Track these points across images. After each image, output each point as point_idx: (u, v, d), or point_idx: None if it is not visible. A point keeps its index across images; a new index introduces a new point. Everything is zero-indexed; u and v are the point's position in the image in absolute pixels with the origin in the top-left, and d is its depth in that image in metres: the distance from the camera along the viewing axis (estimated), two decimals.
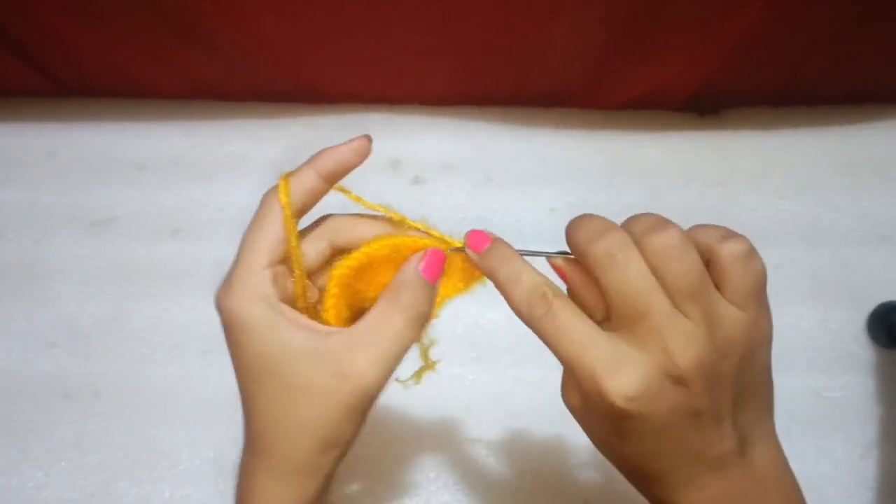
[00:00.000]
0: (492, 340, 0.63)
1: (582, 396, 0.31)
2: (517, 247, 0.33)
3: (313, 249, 0.34)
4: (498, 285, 0.32)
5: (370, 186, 0.73)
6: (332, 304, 0.33)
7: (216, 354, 0.63)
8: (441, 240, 0.34)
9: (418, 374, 0.38)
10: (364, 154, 0.34)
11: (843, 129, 0.74)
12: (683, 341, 0.28)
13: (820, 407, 0.60)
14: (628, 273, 0.29)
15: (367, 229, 0.35)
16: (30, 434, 0.59)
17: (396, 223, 0.35)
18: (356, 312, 0.35)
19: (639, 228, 0.30)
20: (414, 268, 0.32)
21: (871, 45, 0.65)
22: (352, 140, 0.34)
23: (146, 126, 0.74)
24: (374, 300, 0.33)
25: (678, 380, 0.28)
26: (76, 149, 0.73)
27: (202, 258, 0.66)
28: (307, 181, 0.33)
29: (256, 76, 0.71)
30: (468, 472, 0.57)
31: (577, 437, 0.59)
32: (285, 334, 0.31)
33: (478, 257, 0.33)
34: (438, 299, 0.35)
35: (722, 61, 0.65)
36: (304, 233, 0.34)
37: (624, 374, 0.28)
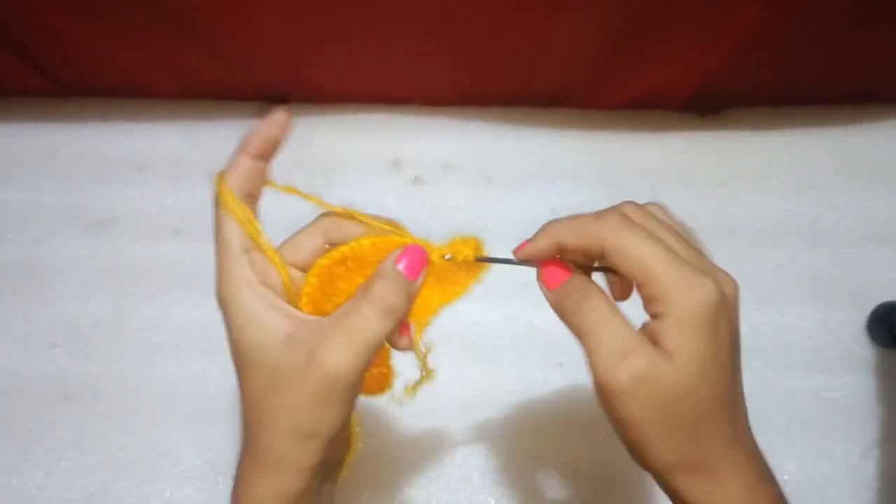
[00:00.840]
0: (492, 340, 0.63)
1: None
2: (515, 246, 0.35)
3: (309, 244, 0.35)
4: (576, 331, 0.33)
5: (370, 186, 0.73)
6: (308, 293, 0.34)
7: (216, 354, 0.63)
8: (430, 246, 0.35)
9: (413, 388, 0.38)
10: (284, 125, 0.35)
11: (843, 129, 0.74)
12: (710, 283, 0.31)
13: (820, 407, 0.60)
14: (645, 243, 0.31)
15: (361, 228, 0.35)
16: (30, 434, 0.59)
17: (394, 225, 0.35)
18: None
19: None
20: (391, 261, 0.33)
21: (871, 45, 0.65)
22: (271, 114, 0.35)
23: (146, 126, 0.74)
24: None
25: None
26: (76, 149, 0.73)
27: (202, 258, 0.66)
28: (242, 166, 0.34)
29: (256, 76, 0.71)
30: (468, 472, 0.57)
31: (577, 437, 0.59)
32: (267, 320, 0.32)
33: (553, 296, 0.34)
34: (433, 305, 0.35)
35: (722, 61, 0.65)
36: (301, 230, 0.36)
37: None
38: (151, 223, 0.69)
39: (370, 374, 0.38)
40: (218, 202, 0.34)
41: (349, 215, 0.35)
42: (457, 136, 0.73)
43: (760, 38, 0.62)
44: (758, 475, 0.32)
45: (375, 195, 0.69)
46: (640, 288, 0.32)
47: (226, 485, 0.57)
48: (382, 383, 0.39)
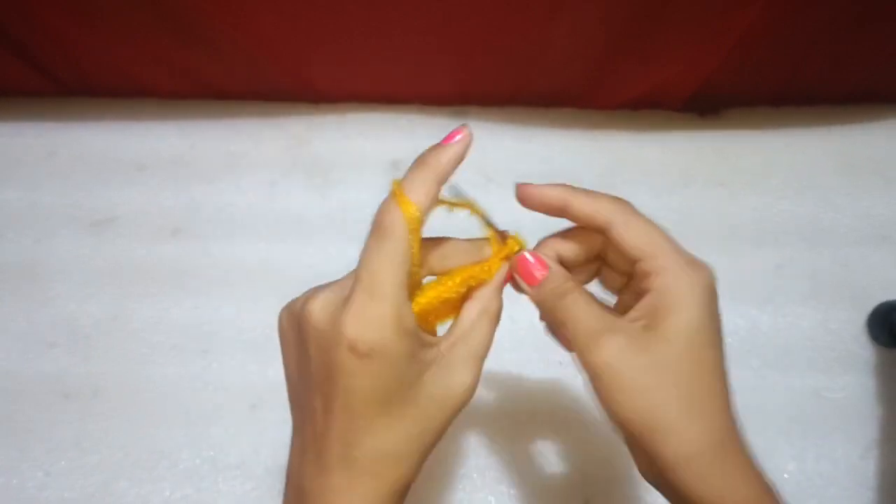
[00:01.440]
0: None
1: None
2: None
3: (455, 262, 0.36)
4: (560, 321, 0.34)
5: (370, 186, 0.73)
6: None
7: (216, 354, 0.63)
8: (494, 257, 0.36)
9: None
10: (470, 142, 0.35)
11: (843, 129, 0.74)
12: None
13: (820, 407, 0.60)
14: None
15: (452, 260, 0.35)
16: (30, 434, 0.59)
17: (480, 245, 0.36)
18: None
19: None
20: (498, 283, 0.35)
21: (871, 45, 0.65)
22: (453, 133, 0.34)
23: (146, 126, 0.74)
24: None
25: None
26: (76, 149, 0.73)
27: (202, 258, 0.66)
28: (429, 189, 0.32)
29: (256, 76, 0.71)
30: (468, 472, 0.57)
31: (577, 437, 0.59)
32: (420, 357, 0.31)
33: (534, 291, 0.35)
34: (434, 321, 0.36)
35: (722, 61, 0.65)
36: (459, 244, 0.36)
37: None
38: (151, 223, 0.69)
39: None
40: (389, 220, 0.31)
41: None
42: None
43: (760, 38, 0.62)
44: (754, 465, 0.32)
45: (375, 195, 0.68)
46: (640, 262, 0.33)
47: (226, 485, 0.57)
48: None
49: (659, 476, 0.32)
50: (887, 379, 0.61)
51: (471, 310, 0.34)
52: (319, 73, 0.70)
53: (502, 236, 0.36)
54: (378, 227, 0.31)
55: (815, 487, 0.57)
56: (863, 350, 0.63)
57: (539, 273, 0.34)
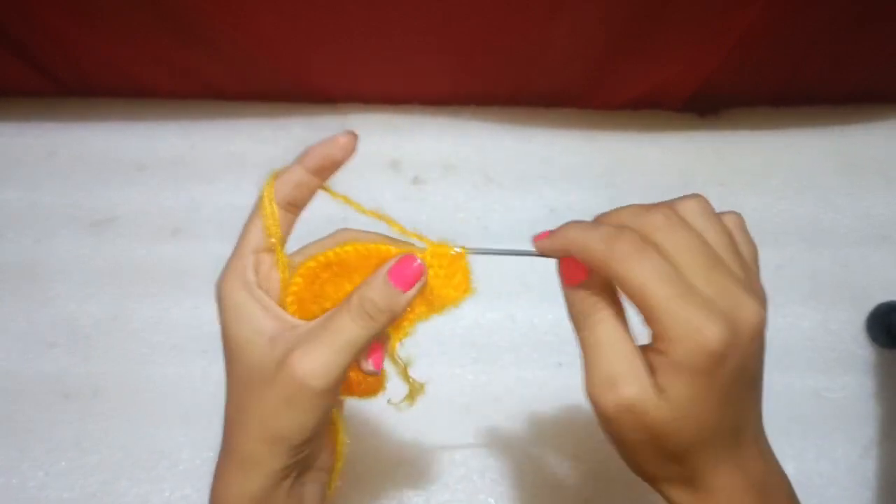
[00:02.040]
0: (492, 340, 0.63)
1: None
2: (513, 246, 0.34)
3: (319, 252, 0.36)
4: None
5: (371, 186, 0.73)
6: (294, 292, 0.34)
7: (216, 354, 0.62)
8: (424, 247, 0.34)
9: (410, 397, 0.38)
10: (349, 150, 0.35)
11: (843, 129, 0.74)
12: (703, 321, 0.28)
13: (820, 407, 0.60)
14: (643, 267, 0.29)
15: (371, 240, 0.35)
16: (30, 434, 0.59)
17: (406, 239, 0.35)
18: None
19: (620, 220, 0.32)
20: (382, 270, 0.33)
21: (871, 45, 0.65)
22: (338, 135, 0.35)
23: (146, 126, 0.74)
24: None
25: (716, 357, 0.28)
26: (76, 149, 0.73)
27: (202, 258, 0.66)
28: (294, 175, 0.35)
29: (256, 76, 0.71)
30: (468, 472, 0.57)
31: (577, 438, 0.59)
32: (256, 319, 0.33)
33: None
34: (411, 319, 0.35)
35: (722, 61, 0.65)
36: (317, 241, 0.36)
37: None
38: (151, 223, 0.69)
39: (361, 377, 0.37)
40: (259, 198, 0.35)
41: (399, 230, 0.35)
42: (457, 136, 0.73)
43: (760, 38, 0.62)
44: (757, 498, 0.32)
45: (375, 195, 0.69)
46: (645, 317, 0.30)
47: None
48: (375, 386, 0.38)
49: None
50: (887, 379, 0.61)
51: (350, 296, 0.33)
52: (319, 73, 0.70)
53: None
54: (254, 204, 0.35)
55: (815, 487, 0.57)
56: (862, 350, 0.63)
57: (576, 276, 0.32)
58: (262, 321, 0.33)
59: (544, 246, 0.33)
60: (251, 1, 0.59)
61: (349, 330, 0.32)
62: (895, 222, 0.69)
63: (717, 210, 0.34)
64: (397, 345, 0.35)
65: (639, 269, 0.29)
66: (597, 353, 0.31)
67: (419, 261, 0.33)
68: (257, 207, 0.35)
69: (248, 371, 0.32)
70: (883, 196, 0.70)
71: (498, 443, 0.59)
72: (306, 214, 0.37)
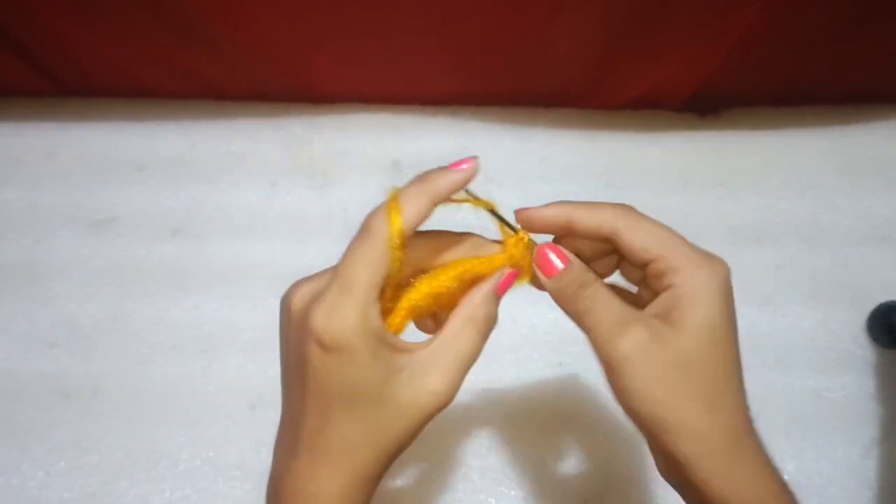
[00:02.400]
0: (492, 340, 0.63)
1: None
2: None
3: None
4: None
5: (370, 186, 0.73)
6: (401, 317, 0.34)
7: (216, 354, 0.63)
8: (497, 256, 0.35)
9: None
10: (474, 175, 0.34)
11: (843, 129, 0.74)
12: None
13: (820, 407, 0.60)
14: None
15: (446, 255, 0.35)
16: (30, 434, 0.59)
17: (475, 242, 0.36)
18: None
19: None
20: (490, 288, 0.34)
21: (871, 45, 0.65)
22: (461, 162, 0.34)
23: (146, 126, 0.74)
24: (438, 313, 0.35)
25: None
26: (76, 149, 0.73)
27: (202, 258, 0.66)
28: (421, 205, 0.33)
29: (256, 76, 0.71)
30: (468, 472, 0.57)
31: (576, 438, 0.59)
32: (388, 360, 0.31)
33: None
34: (429, 318, 0.36)
35: (722, 61, 0.65)
36: (442, 235, 0.36)
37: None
38: (151, 223, 0.69)
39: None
40: (376, 226, 0.32)
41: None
42: (457, 136, 0.73)
43: (760, 38, 0.62)
44: (770, 462, 0.32)
45: (375, 195, 0.68)
46: (652, 263, 0.32)
47: (226, 485, 0.57)
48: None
49: (677, 474, 0.32)
50: (887, 379, 0.61)
51: (456, 317, 0.34)
52: (319, 73, 0.70)
53: (513, 230, 0.36)
54: (363, 229, 0.32)
55: (815, 487, 0.57)
56: (863, 350, 0.63)
57: (558, 264, 0.34)
58: (393, 359, 0.31)
59: (537, 217, 0.35)
60: (251, 1, 0.59)
61: (478, 346, 0.33)
62: (895, 222, 0.69)
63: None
64: None
65: (646, 219, 0.33)
66: (597, 312, 0.32)
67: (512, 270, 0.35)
68: (373, 236, 0.31)
69: (380, 401, 0.31)
70: (883, 196, 0.70)
71: (498, 443, 0.59)
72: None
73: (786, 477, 0.32)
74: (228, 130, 0.73)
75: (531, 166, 0.72)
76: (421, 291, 0.34)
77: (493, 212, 0.36)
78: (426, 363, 0.32)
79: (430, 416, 0.32)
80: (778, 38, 0.63)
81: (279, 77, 0.71)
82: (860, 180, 0.71)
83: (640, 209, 0.34)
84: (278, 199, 0.69)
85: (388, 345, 0.31)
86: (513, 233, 0.36)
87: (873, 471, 0.58)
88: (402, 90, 0.73)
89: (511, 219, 0.36)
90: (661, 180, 0.71)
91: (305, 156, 0.71)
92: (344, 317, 0.30)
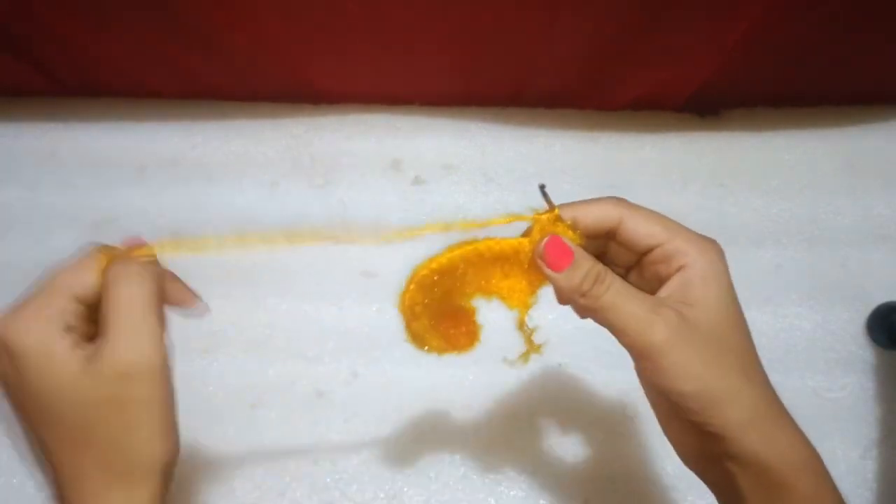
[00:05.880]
0: (492, 340, 0.63)
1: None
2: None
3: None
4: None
5: (370, 186, 0.73)
6: (409, 298, 0.36)
7: (216, 354, 0.63)
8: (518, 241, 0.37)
9: (525, 356, 0.41)
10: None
11: (843, 130, 0.74)
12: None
13: (820, 407, 0.60)
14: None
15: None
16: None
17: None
18: (436, 315, 0.39)
19: None
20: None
21: (870, 45, 0.64)
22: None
23: (146, 126, 0.74)
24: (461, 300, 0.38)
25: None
26: (77, 149, 0.73)
27: (202, 258, 0.66)
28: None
29: (256, 76, 0.71)
30: (468, 472, 0.57)
31: (577, 438, 0.59)
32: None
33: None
34: (528, 291, 0.38)
35: (722, 61, 0.65)
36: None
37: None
38: (151, 223, 0.69)
39: (458, 332, 0.41)
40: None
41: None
42: (457, 136, 0.73)
43: (760, 38, 0.62)
44: (801, 429, 0.34)
45: (375, 195, 0.69)
46: (657, 248, 0.33)
47: (226, 485, 0.57)
48: (471, 339, 0.42)
49: (715, 451, 0.33)
50: (887, 380, 0.61)
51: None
52: (319, 73, 0.70)
53: (551, 206, 0.37)
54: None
55: None
56: (862, 351, 0.63)
57: (572, 249, 0.34)
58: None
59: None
60: (252, 1, 0.59)
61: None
62: (895, 222, 0.69)
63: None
64: (525, 315, 0.39)
65: (646, 209, 0.34)
66: (622, 307, 0.32)
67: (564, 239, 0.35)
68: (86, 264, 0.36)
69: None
70: (883, 196, 0.70)
71: (498, 443, 0.59)
72: None
73: None
74: (229, 131, 0.73)
75: (531, 166, 0.72)
76: (428, 266, 0.35)
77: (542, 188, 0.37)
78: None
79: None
80: (778, 38, 0.63)
81: (279, 77, 0.71)
82: (860, 180, 0.71)
83: None
84: (278, 199, 0.69)
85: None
86: (549, 203, 0.37)
87: (873, 471, 0.58)
88: (402, 90, 0.73)
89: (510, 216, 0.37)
90: (661, 180, 0.71)
91: (305, 156, 0.71)
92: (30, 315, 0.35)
